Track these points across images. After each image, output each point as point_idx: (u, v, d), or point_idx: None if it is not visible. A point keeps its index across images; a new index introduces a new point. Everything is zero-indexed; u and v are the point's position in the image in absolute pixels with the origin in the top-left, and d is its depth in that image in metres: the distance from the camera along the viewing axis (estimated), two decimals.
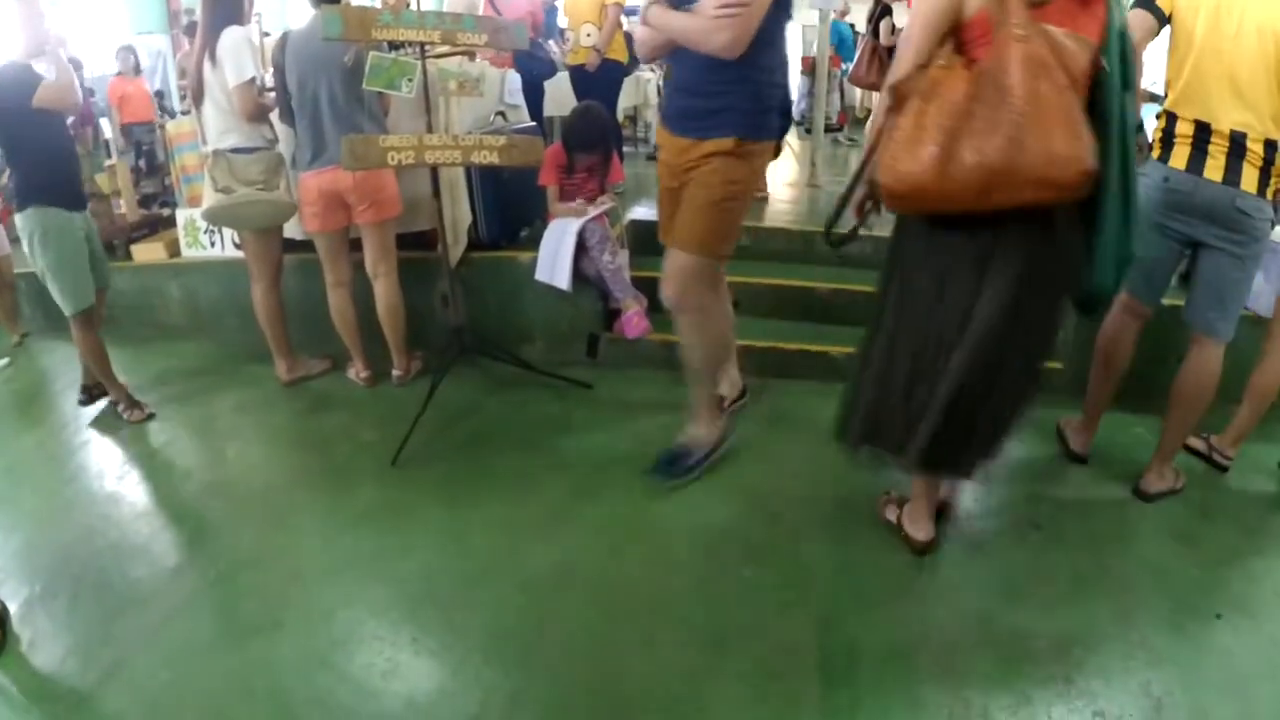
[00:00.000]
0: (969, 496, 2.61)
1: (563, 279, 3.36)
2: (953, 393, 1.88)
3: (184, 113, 5.79)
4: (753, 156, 2.35)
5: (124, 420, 3.25)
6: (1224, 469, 2.72)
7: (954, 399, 1.88)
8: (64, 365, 3.49)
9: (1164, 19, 2.26)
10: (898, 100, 1.76)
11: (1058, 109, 1.58)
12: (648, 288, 3.58)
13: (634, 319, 3.39)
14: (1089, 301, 2.01)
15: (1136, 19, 2.30)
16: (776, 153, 2.57)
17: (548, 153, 3.37)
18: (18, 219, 2.96)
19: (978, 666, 1.93)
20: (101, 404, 3.40)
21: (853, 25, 8.92)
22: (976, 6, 1.67)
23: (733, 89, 2.26)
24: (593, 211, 3.40)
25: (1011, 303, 1.79)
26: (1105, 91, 1.71)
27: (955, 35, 1.72)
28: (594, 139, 3.50)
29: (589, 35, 4.79)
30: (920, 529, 2.28)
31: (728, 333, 2.78)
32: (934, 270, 1.89)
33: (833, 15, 9.23)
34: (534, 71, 4.71)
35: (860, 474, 2.70)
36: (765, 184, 4.92)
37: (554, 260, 3.38)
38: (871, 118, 6.00)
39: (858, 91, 9.60)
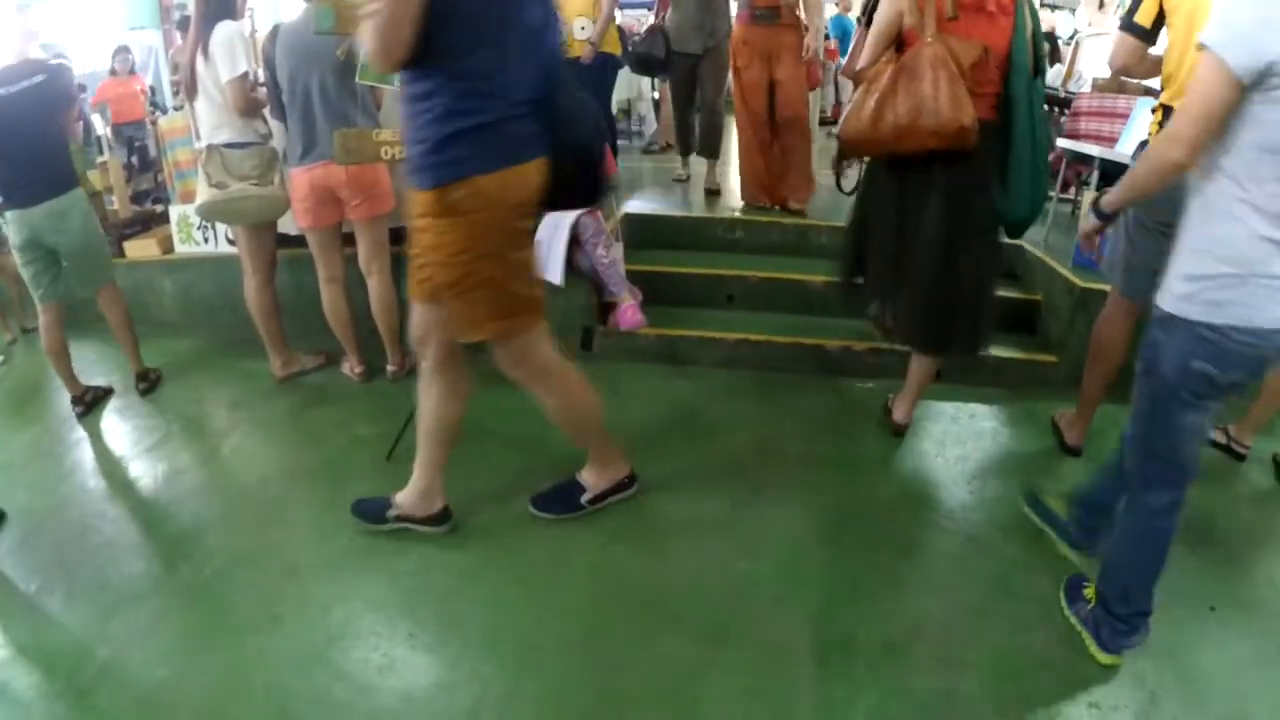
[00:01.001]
0: (964, 490, 2.62)
1: (555, 273, 3.33)
2: (925, 285, 2.54)
3: (176, 108, 5.76)
4: (469, 210, 1.83)
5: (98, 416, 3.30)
6: (1242, 458, 2.76)
7: (927, 289, 2.54)
8: None
9: (1148, 33, 2.30)
10: (857, 82, 2.56)
11: (947, 88, 2.26)
12: (642, 281, 3.59)
13: (629, 312, 3.38)
14: (1012, 227, 2.59)
15: (1121, 46, 2.36)
16: (585, 200, 2.22)
17: None
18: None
19: (973, 658, 1.93)
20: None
21: (857, 19, 8.89)
22: (909, 24, 2.36)
23: (422, 115, 1.80)
24: None
25: (948, 214, 2.46)
26: (1013, 75, 2.37)
27: (897, 41, 2.43)
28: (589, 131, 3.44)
29: (583, 29, 4.77)
30: (900, 413, 2.91)
31: (576, 407, 2.40)
32: (892, 197, 2.59)
33: (835, 9, 9.25)
34: None
35: (857, 470, 2.71)
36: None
37: (546, 254, 3.35)
38: None
39: (851, 85, 9.57)
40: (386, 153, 2.78)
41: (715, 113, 4.67)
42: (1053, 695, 1.83)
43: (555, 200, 2.03)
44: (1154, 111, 2.38)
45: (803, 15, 4.18)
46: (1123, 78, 2.41)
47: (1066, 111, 4.51)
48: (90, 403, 3.36)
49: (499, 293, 1.95)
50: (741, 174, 4.51)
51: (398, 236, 3.46)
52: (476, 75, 1.78)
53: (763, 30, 4.10)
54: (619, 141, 5.97)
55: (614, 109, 5.92)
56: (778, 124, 4.25)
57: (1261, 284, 1.51)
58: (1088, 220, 2.06)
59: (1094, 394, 2.70)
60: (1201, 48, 1.47)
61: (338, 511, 2.54)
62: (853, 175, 4.63)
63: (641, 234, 4.08)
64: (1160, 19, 2.27)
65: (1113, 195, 1.89)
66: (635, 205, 4.52)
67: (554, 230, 3.32)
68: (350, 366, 3.51)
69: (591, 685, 1.88)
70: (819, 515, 2.47)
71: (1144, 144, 2.44)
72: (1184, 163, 1.56)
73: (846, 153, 2.83)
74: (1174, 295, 1.63)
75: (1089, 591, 2.00)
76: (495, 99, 1.80)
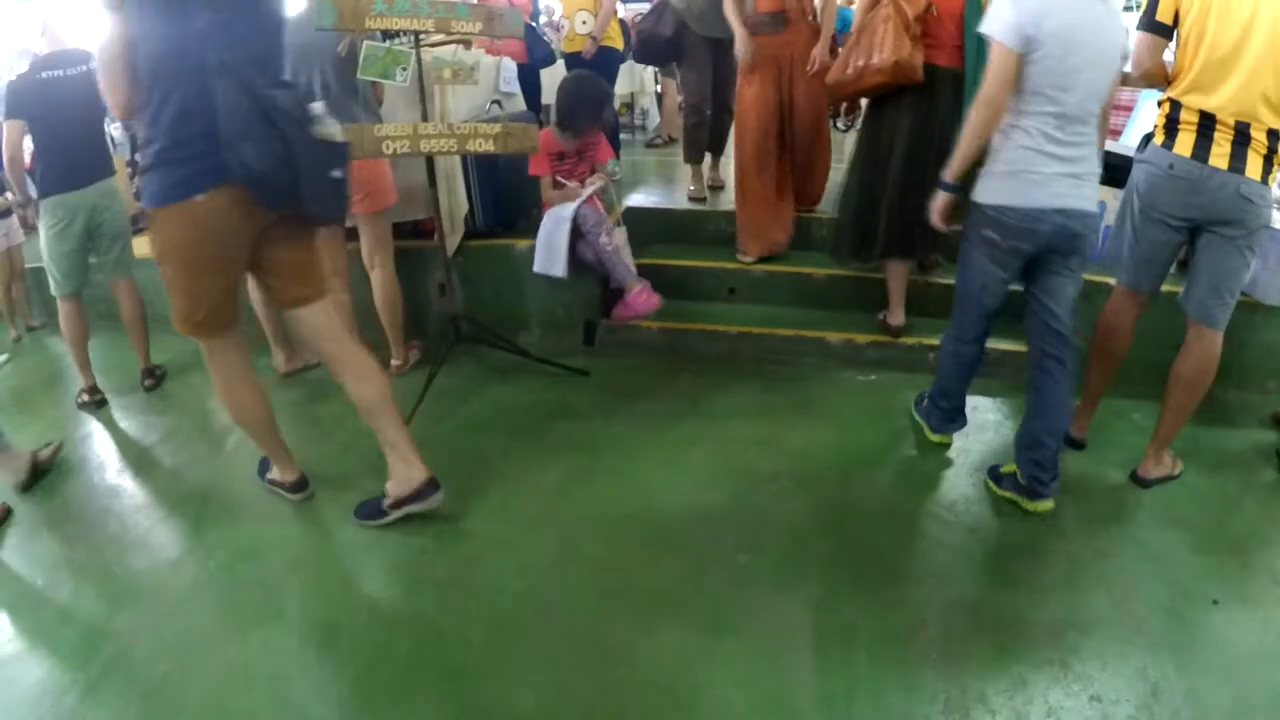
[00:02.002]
0: (967, 482, 2.62)
1: (559, 267, 3.31)
2: (893, 199, 3.11)
3: None
4: (162, 225, 2.02)
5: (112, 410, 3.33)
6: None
7: (895, 202, 3.10)
8: (68, 359, 3.50)
9: (1169, 30, 2.27)
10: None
11: (891, 36, 2.84)
12: (644, 274, 3.57)
13: (643, 294, 3.32)
14: None
15: (1143, 45, 2.32)
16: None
17: (541, 139, 3.26)
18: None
19: (974, 650, 1.94)
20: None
21: None
22: None
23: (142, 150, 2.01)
24: (586, 192, 3.32)
25: (911, 141, 3.03)
26: (967, 29, 2.87)
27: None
28: (594, 107, 3.37)
29: (584, 23, 4.77)
30: (895, 316, 3.41)
31: (244, 407, 2.45)
32: (882, 129, 3.14)
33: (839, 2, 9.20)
34: (536, 56, 4.67)
35: (859, 461, 2.71)
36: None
37: (547, 248, 3.34)
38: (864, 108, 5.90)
39: None
40: (388, 148, 2.78)
41: (729, 110, 4.08)
42: (1055, 688, 1.83)
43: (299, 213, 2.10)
44: (1160, 105, 2.37)
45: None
46: (1146, 83, 2.36)
47: None
48: (101, 400, 3.40)
49: (179, 301, 2.15)
50: (739, 224, 3.89)
51: (401, 231, 3.48)
52: (145, 114, 1.93)
53: (768, 40, 3.54)
54: (620, 136, 5.93)
55: (616, 103, 5.90)
56: (794, 138, 3.75)
57: (1024, 178, 2.19)
58: (938, 197, 2.39)
59: (1098, 386, 2.70)
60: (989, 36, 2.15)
61: (341, 504, 2.55)
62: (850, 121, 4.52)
63: (643, 227, 4.07)
64: (1176, 16, 2.25)
65: (951, 165, 2.31)
66: (637, 199, 4.51)
67: (555, 224, 3.30)
68: None
69: (593, 674, 1.88)
70: (820, 506, 2.48)
71: (1148, 136, 2.42)
72: (993, 117, 2.17)
73: (833, 96, 3.43)
74: (978, 190, 2.30)
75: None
76: (158, 138, 1.92)
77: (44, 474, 2.81)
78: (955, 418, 2.76)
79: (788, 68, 3.60)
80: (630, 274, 3.29)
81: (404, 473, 2.38)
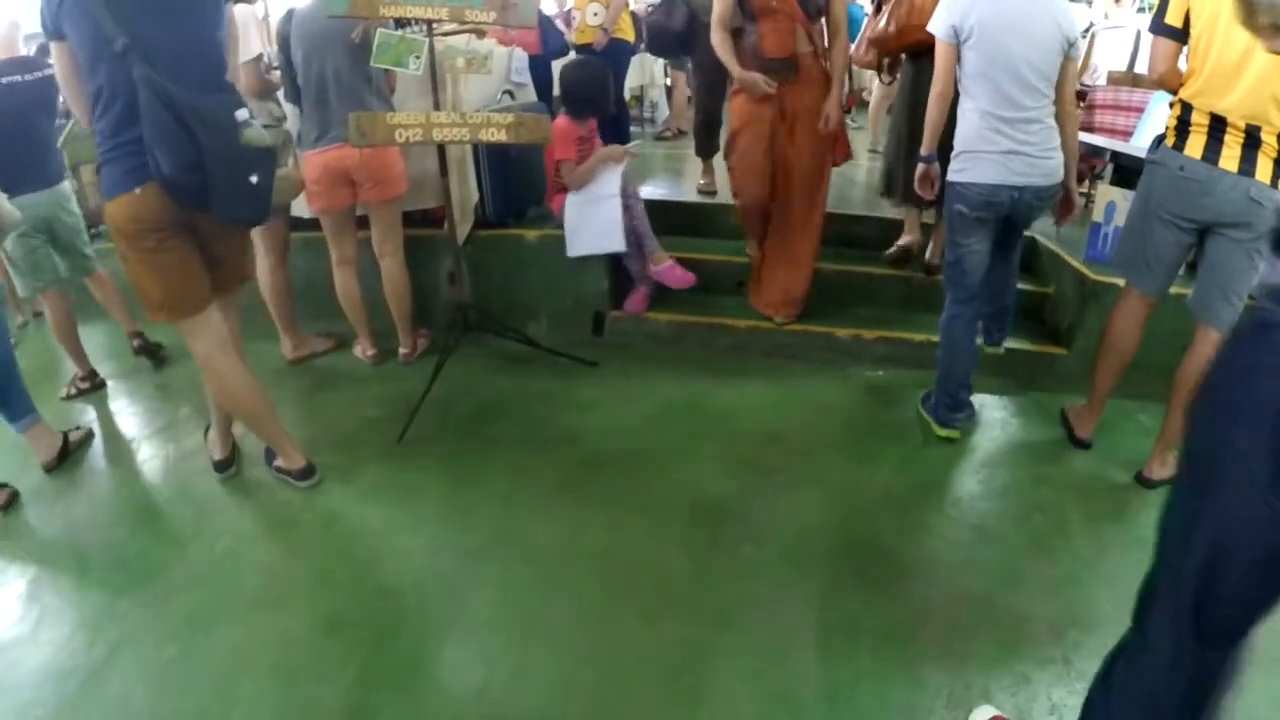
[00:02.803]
0: (973, 479, 2.62)
1: (616, 240, 3.31)
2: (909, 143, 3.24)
3: None
4: (113, 214, 2.15)
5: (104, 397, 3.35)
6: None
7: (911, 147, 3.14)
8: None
9: (1181, 33, 2.26)
10: (868, 68, 3.73)
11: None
12: None
13: (675, 269, 3.45)
14: None
15: (1156, 50, 2.32)
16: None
17: (557, 127, 3.28)
18: None
19: (977, 647, 1.94)
20: (107, 385, 3.45)
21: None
22: None
23: None
24: (619, 158, 3.38)
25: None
26: None
27: None
28: (605, 89, 3.43)
29: (596, 14, 4.76)
30: (907, 237, 3.73)
31: (239, 394, 2.48)
32: (920, 84, 3.06)
33: None
34: (551, 46, 4.67)
35: (865, 457, 2.72)
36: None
37: (597, 226, 3.32)
38: (872, 103, 5.87)
39: (866, 74, 9.49)
40: (400, 135, 2.78)
41: None
42: (1058, 685, 1.84)
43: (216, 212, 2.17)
44: (1171, 105, 2.36)
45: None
46: (1161, 87, 2.37)
47: (1081, 104, 4.48)
48: (98, 384, 3.42)
49: (140, 286, 2.24)
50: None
51: (411, 220, 3.48)
52: (95, 120, 2.11)
53: (778, 87, 3.11)
54: (630, 128, 5.93)
55: (626, 95, 5.89)
56: (780, 212, 3.36)
57: (981, 156, 2.50)
58: (918, 168, 2.72)
59: (1105, 386, 2.69)
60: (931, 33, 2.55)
61: (348, 492, 2.57)
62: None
63: (652, 220, 4.06)
64: (1188, 18, 2.24)
65: (925, 140, 2.65)
66: (646, 191, 4.50)
67: (596, 202, 3.29)
68: (361, 349, 3.53)
69: (597, 665, 1.89)
70: (826, 501, 2.48)
71: (1160, 138, 2.41)
72: (942, 99, 2.57)
73: (878, 50, 3.42)
74: (950, 170, 2.60)
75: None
76: (105, 140, 2.11)
77: (70, 456, 2.84)
78: (960, 407, 2.82)
79: (789, 124, 3.20)
80: (656, 242, 3.40)
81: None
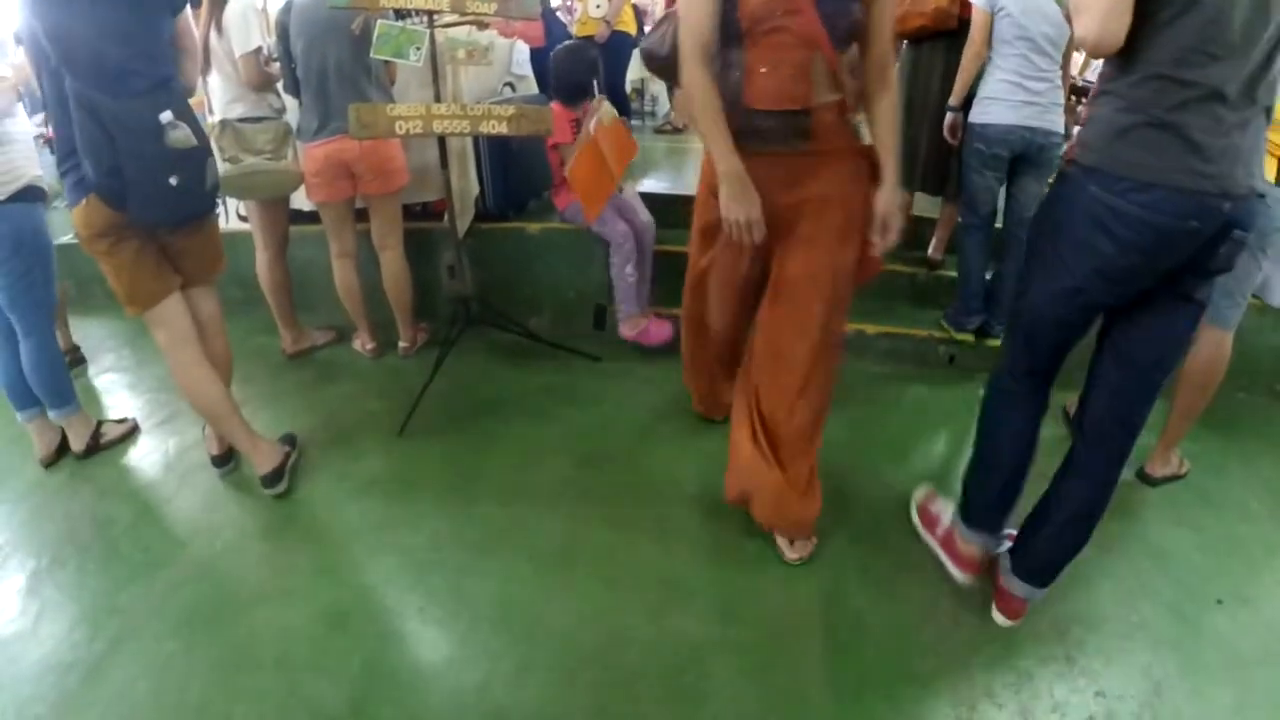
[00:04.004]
0: None
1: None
2: (930, 135, 3.42)
3: None
4: (75, 222, 2.20)
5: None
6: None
7: (930, 138, 3.44)
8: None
9: None
10: None
11: None
12: (654, 261, 3.56)
13: (652, 328, 3.47)
14: None
15: None
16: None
17: (555, 113, 3.24)
18: None
19: (981, 644, 1.95)
20: (102, 378, 3.43)
21: None
22: None
23: None
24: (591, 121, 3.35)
25: (946, 79, 3.30)
26: None
27: None
28: (594, 73, 3.40)
29: (598, 7, 4.74)
30: (935, 250, 3.76)
31: (197, 388, 2.45)
32: (919, 70, 3.46)
33: None
34: (555, 37, 4.65)
35: (868, 454, 2.71)
36: None
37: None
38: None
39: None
40: (400, 127, 2.76)
41: None
42: (1060, 683, 1.84)
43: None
44: None
45: (866, 128, 1.97)
46: None
47: (1083, 100, 4.47)
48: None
49: (111, 284, 2.29)
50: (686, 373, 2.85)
51: (411, 212, 3.47)
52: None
53: (773, 162, 1.88)
54: (631, 121, 5.91)
55: (627, 88, 5.87)
56: (761, 349, 2.13)
57: (1001, 102, 3.01)
58: (947, 117, 3.24)
59: None
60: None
61: (349, 486, 2.56)
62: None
63: (653, 214, 4.05)
64: None
65: (955, 93, 3.17)
66: (647, 185, 4.50)
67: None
68: (361, 343, 3.52)
69: (601, 661, 1.89)
70: (829, 497, 2.46)
71: None
72: (975, 57, 3.06)
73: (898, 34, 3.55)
74: (972, 113, 3.11)
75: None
76: (58, 153, 2.16)
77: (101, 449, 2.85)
78: (974, 308, 3.30)
79: (787, 223, 1.97)
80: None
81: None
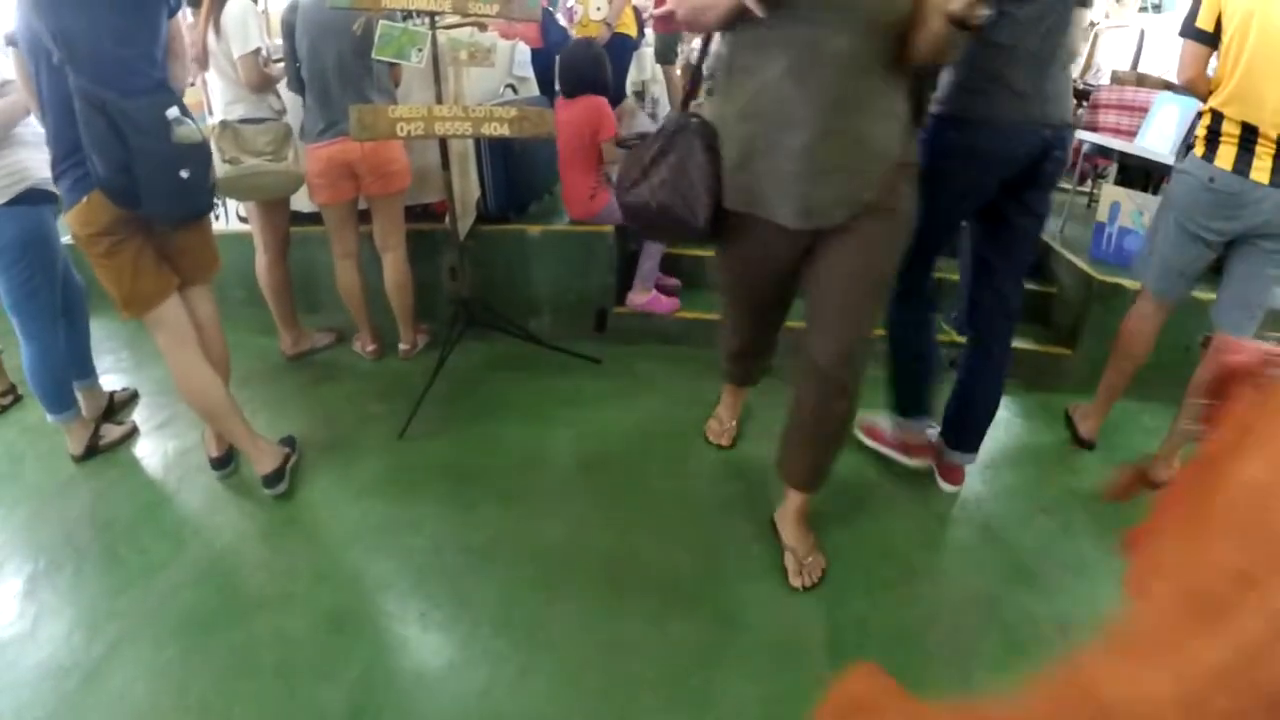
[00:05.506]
0: (978, 480, 2.61)
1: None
2: None
3: (189, 84, 5.71)
4: (71, 224, 2.19)
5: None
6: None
7: None
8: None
9: (1212, 37, 2.24)
10: None
11: None
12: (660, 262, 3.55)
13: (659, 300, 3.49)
14: None
15: (1185, 54, 2.31)
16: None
17: (605, 109, 3.37)
18: None
19: (985, 647, 1.94)
20: (101, 380, 3.38)
21: None
22: None
23: None
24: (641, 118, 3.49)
25: None
26: None
27: None
28: (590, 72, 3.41)
29: (599, 9, 4.74)
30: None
31: (197, 389, 2.44)
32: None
33: None
34: (552, 39, 4.65)
35: (872, 458, 2.70)
36: None
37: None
38: None
39: None
40: (402, 129, 2.76)
41: None
42: None
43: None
44: (1200, 115, 2.33)
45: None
46: (1190, 91, 2.39)
47: (1085, 104, 4.47)
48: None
49: (107, 288, 2.28)
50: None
51: (412, 214, 3.46)
52: (47, 133, 2.16)
53: None
54: None
55: (628, 90, 5.86)
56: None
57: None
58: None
59: (1115, 387, 2.68)
60: None
61: (349, 488, 2.54)
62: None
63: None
64: (1219, 22, 2.22)
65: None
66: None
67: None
68: (362, 344, 3.51)
69: (603, 666, 1.87)
70: (833, 501, 2.46)
71: (1189, 147, 2.38)
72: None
73: None
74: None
75: None
76: (54, 153, 2.15)
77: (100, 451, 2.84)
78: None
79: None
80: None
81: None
